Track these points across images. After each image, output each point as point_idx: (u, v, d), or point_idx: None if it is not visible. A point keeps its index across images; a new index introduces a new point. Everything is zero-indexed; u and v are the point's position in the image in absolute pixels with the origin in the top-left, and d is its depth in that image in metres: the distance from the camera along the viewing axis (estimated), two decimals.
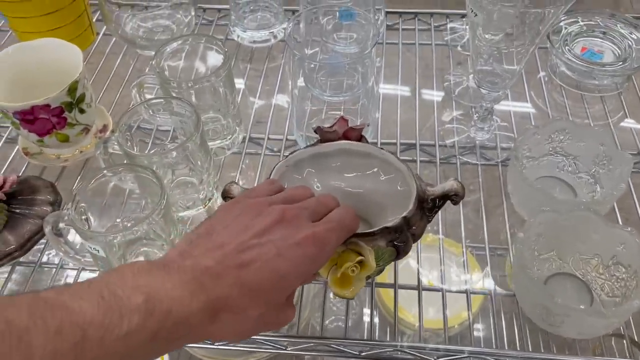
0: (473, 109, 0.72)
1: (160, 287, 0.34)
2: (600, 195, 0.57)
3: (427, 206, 0.52)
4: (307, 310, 0.95)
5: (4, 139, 0.73)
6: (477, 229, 0.71)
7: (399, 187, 0.55)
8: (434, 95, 0.75)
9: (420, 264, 0.60)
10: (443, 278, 0.57)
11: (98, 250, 0.48)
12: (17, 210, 0.60)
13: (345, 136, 0.57)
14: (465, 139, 0.70)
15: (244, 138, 0.71)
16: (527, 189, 0.54)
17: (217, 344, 0.54)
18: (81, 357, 0.30)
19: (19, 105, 0.58)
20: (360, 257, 0.47)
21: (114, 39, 0.86)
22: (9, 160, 0.70)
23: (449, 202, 0.52)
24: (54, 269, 0.60)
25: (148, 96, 0.66)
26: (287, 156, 0.56)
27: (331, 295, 1.12)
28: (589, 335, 0.49)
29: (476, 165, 0.68)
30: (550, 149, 0.61)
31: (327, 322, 1.01)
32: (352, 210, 0.45)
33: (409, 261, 0.78)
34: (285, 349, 0.55)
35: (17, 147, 0.69)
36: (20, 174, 0.66)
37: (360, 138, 0.57)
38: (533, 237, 0.52)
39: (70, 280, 0.76)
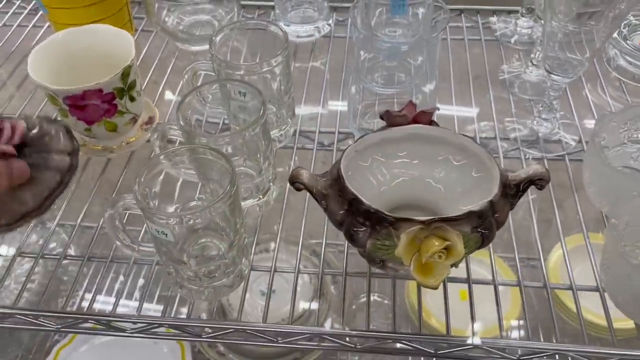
0: (532, 102, 0.69)
1: None
2: None
3: (511, 192, 0.49)
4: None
5: None
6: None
7: (473, 174, 0.52)
8: (490, 90, 0.73)
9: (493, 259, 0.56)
10: (495, 272, 0.54)
11: (166, 234, 0.45)
12: (31, 162, 0.53)
13: (415, 121, 0.54)
14: (529, 132, 0.67)
15: (295, 131, 0.68)
16: (611, 176, 0.51)
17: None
18: None
19: (71, 89, 0.56)
20: (447, 242, 0.44)
21: (152, 35, 0.84)
22: None
23: None
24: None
25: None
26: (356, 140, 0.53)
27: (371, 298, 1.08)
28: None
29: (541, 158, 0.65)
30: (625, 138, 0.58)
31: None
32: None
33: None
34: (354, 347, 0.51)
35: None
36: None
37: (431, 123, 0.55)
38: (622, 226, 0.49)
39: None
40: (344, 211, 0.48)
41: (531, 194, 0.60)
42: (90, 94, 0.57)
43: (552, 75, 0.59)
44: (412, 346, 0.50)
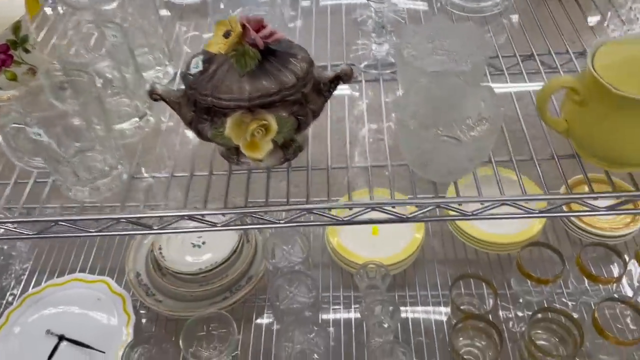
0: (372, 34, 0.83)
1: None
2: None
3: (325, 88, 0.62)
4: None
5: None
6: None
7: None
8: (343, 27, 0.86)
9: None
10: None
11: (40, 134, 0.56)
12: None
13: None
14: (372, 59, 0.81)
15: (175, 74, 0.81)
16: (408, 72, 0.65)
17: None
18: None
19: None
20: (263, 122, 0.57)
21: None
22: None
23: None
24: None
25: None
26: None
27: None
28: (459, 172, 0.59)
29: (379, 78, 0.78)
30: (433, 49, 0.72)
31: None
32: None
33: None
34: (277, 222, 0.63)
35: None
36: None
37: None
38: (412, 107, 0.62)
39: None
40: (192, 112, 0.60)
41: None
42: None
43: (370, 2, 0.73)
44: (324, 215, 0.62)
